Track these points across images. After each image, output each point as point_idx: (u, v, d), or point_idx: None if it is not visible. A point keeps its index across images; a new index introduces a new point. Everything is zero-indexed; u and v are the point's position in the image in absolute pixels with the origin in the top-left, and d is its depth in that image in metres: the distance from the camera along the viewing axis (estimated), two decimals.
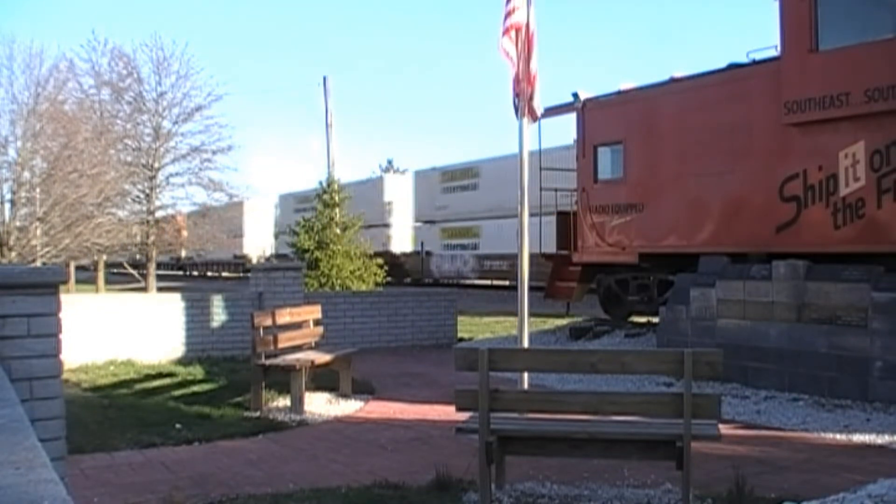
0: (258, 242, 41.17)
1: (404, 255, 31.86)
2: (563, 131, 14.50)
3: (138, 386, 9.14)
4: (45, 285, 3.10)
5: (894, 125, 8.74)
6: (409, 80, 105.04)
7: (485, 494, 4.66)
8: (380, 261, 19.20)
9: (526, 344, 6.65)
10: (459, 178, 29.45)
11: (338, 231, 18.25)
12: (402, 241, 32.93)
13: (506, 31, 6.40)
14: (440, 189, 30.13)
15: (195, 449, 6.42)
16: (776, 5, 9.71)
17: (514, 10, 6.38)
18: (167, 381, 9.47)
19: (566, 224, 13.53)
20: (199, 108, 24.45)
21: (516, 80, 6.61)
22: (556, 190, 13.97)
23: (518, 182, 6.72)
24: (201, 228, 26.78)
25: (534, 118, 6.79)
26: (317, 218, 18.91)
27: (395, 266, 28.16)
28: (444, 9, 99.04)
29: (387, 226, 32.88)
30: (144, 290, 23.17)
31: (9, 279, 3.06)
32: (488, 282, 28.08)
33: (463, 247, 28.75)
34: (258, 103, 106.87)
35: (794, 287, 8.52)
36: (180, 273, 48.43)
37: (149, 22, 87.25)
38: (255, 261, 33.86)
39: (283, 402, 8.01)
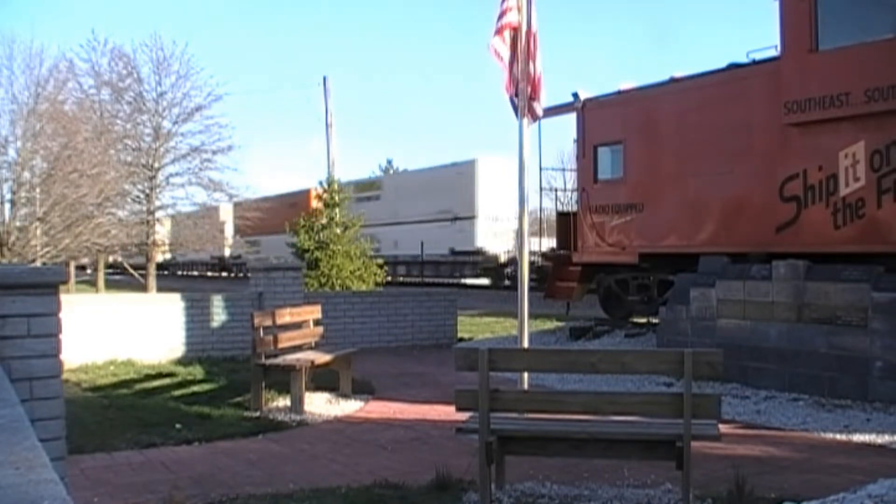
0: (498, 227, 26.59)
1: None
2: (564, 131, 14.50)
3: (138, 386, 9.14)
4: (45, 285, 3.10)
5: (894, 125, 8.74)
6: (409, 81, 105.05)
7: (485, 494, 4.66)
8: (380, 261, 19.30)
9: (526, 344, 6.65)
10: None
11: (338, 231, 18.26)
12: None
13: (498, 31, 6.40)
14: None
15: (195, 449, 6.42)
16: (776, 5, 9.72)
17: (507, 10, 6.39)
18: (167, 381, 9.47)
19: (566, 224, 13.53)
20: (199, 108, 24.47)
21: (511, 80, 6.60)
22: (555, 190, 13.98)
23: None
24: (383, 204, 22.60)
25: (534, 118, 6.79)
26: (317, 218, 18.91)
27: None
28: (445, 9, 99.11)
29: None
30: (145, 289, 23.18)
31: (9, 279, 3.06)
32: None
33: None
34: (258, 104, 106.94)
35: (794, 287, 8.52)
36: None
37: (149, 22, 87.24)
38: (502, 259, 25.24)
39: (283, 402, 8.01)
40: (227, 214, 33.84)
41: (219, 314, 11.45)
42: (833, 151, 9.32)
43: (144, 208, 23.91)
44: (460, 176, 27.35)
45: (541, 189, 14.36)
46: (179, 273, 48.73)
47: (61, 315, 3.16)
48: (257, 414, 7.65)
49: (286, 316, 8.58)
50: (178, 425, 7.03)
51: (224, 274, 44.16)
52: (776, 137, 9.97)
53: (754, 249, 10.19)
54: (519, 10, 6.47)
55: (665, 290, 11.87)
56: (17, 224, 17.63)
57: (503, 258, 26.00)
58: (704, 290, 9.50)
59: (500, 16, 6.40)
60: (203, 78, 24.77)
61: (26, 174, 18.22)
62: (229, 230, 34.79)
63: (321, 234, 18.09)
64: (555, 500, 4.88)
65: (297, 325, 8.82)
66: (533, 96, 6.61)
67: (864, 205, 9.08)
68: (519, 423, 5.05)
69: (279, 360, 7.98)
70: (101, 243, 19.79)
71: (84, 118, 21.18)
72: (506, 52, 6.49)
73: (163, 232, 26.73)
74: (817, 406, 7.69)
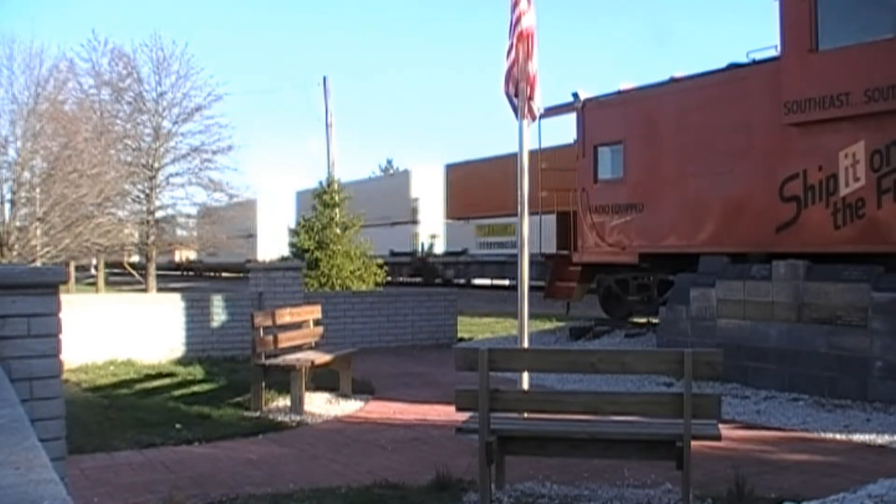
0: None
1: None
2: (564, 131, 14.49)
3: (138, 386, 9.14)
4: (45, 285, 3.10)
5: (894, 125, 8.74)
6: (409, 81, 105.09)
7: (485, 494, 4.66)
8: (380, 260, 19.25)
9: (526, 344, 6.65)
10: None
11: (338, 231, 18.24)
12: None
13: (518, 36, 6.43)
14: None
15: (195, 449, 6.41)
16: (776, 5, 9.71)
17: (522, 15, 6.40)
18: (167, 381, 9.46)
19: (566, 224, 13.53)
20: (199, 108, 24.50)
21: (510, 80, 6.61)
22: (557, 190, 13.99)
23: None
24: None
25: (532, 118, 6.79)
26: (317, 218, 18.89)
27: None
28: (445, 9, 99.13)
29: None
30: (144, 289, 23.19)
31: (9, 279, 3.06)
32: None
33: None
34: (258, 104, 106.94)
35: (794, 287, 8.52)
36: None
37: (149, 22, 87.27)
38: None
39: (283, 402, 8.00)
40: (422, 187, 20.96)
41: (219, 314, 11.44)
42: (833, 151, 9.32)
43: (144, 208, 23.92)
44: None
45: (541, 189, 14.34)
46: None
47: (61, 315, 3.15)
48: (257, 414, 7.65)
49: (286, 316, 8.58)
50: (178, 425, 7.03)
51: (418, 279, 26.25)
52: (776, 137, 9.96)
53: (754, 249, 10.19)
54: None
55: (665, 290, 11.87)
56: (17, 224, 17.62)
57: None
58: (704, 290, 9.50)
59: (517, 20, 6.41)
60: (203, 78, 24.82)
61: (26, 174, 18.21)
62: (429, 209, 23.06)
63: (321, 234, 18.07)
64: (555, 500, 4.88)
65: (297, 325, 8.82)
66: (530, 95, 6.62)
67: (864, 205, 9.08)
68: (519, 423, 5.05)
69: (279, 360, 7.98)
70: (102, 243, 19.79)
71: (84, 118, 21.18)
72: (520, 54, 6.51)
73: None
74: (817, 406, 7.69)
